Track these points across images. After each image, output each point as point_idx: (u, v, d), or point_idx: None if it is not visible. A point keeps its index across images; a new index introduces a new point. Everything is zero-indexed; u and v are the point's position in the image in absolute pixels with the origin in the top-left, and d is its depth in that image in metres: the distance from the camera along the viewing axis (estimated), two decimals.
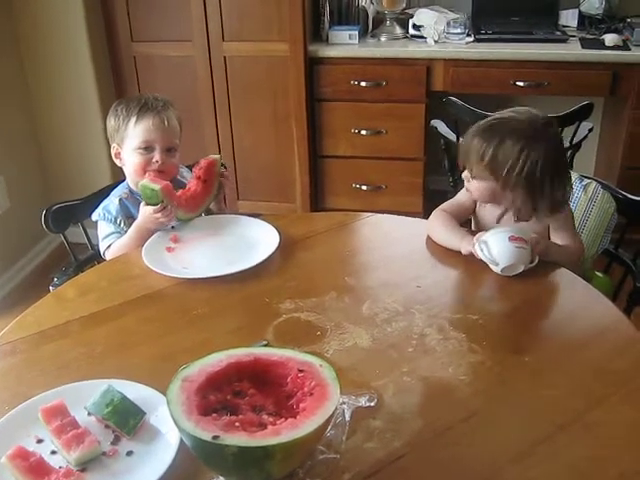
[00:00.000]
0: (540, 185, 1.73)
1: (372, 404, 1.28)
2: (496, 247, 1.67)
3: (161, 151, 2.00)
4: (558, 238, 1.82)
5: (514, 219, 1.83)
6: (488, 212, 1.89)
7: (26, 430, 1.25)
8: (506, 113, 1.79)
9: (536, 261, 1.69)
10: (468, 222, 1.98)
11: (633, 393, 1.32)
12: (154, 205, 1.89)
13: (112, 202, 2.04)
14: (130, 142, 2.01)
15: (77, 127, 3.54)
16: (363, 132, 3.41)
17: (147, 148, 1.99)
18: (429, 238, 1.88)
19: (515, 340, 1.49)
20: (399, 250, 1.88)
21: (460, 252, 1.77)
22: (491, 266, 1.69)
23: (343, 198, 3.58)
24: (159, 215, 1.89)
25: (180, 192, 1.97)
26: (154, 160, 1.99)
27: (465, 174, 1.82)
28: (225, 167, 2.06)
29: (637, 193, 2.09)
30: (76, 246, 2.19)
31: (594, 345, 1.47)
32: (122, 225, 2.00)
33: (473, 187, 1.81)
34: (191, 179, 2.01)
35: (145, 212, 1.91)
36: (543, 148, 1.71)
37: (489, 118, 1.81)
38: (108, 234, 2.01)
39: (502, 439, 1.23)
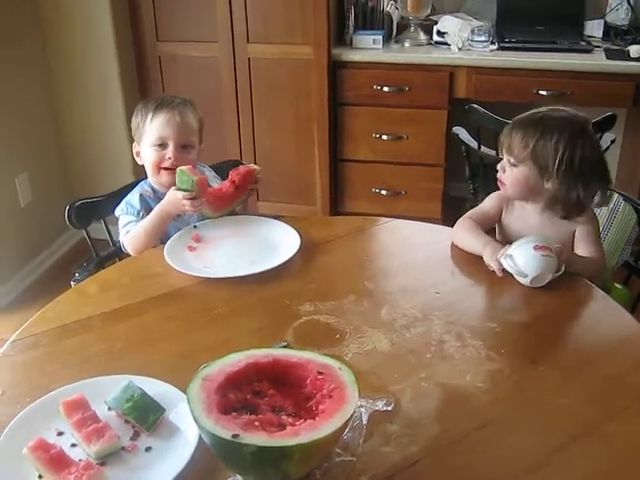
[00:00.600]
0: (579, 179, 1.76)
1: (389, 408, 1.29)
2: (522, 258, 1.67)
3: (175, 148, 2.01)
4: (582, 247, 1.81)
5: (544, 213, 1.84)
6: (514, 220, 1.89)
7: (47, 422, 1.27)
8: (545, 108, 1.84)
9: (562, 270, 1.69)
10: (492, 231, 1.98)
11: None
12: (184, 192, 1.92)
13: (134, 197, 2.06)
14: (146, 139, 2.03)
15: (100, 125, 3.57)
16: (384, 137, 3.42)
17: (162, 145, 2.01)
18: (451, 245, 1.89)
19: (533, 349, 1.49)
20: (418, 256, 1.88)
21: (481, 259, 1.77)
22: (519, 279, 1.68)
23: (363, 202, 3.59)
24: (187, 202, 1.91)
25: (211, 190, 1.99)
26: (167, 157, 2.01)
27: (501, 164, 1.84)
28: (256, 181, 2.07)
29: None
30: (97, 242, 2.21)
31: (612, 357, 1.47)
32: (144, 217, 2.01)
33: (510, 176, 1.82)
34: (225, 181, 2.03)
35: (174, 196, 1.93)
36: (585, 142, 1.76)
37: (530, 111, 1.84)
38: (128, 222, 2.03)
39: (517, 448, 1.23)
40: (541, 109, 1.84)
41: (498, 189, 1.91)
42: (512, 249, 1.70)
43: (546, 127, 1.76)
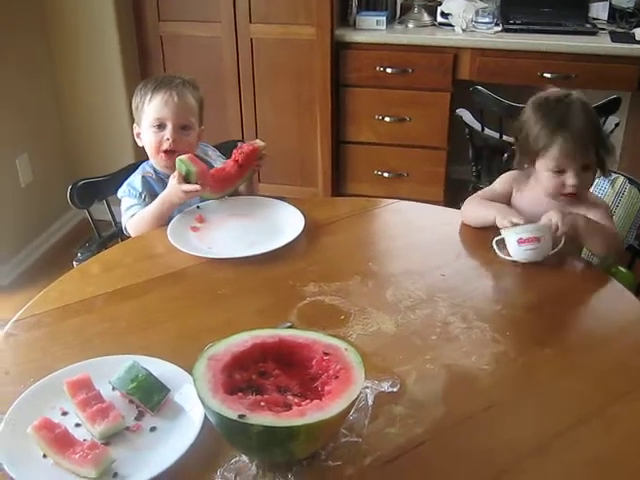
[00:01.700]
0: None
1: (395, 390, 1.29)
2: (509, 246, 1.72)
3: (173, 129, 1.99)
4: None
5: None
6: (525, 203, 1.87)
7: (51, 402, 1.27)
8: (562, 93, 1.81)
9: (561, 244, 1.70)
10: None
11: None
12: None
13: (136, 178, 2.05)
14: (145, 119, 2.01)
15: (102, 105, 3.55)
16: (387, 119, 3.40)
17: (160, 126, 2.00)
18: (458, 227, 1.88)
19: (538, 332, 1.49)
20: (422, 238, 1.88)
21: (487, 242, 1.76)
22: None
23: (365, 184, 3.57)
24: (186, 189, 1.89)
25: (214, 170, 1.98)
26: (165, 138, 1.99)
27: (573, 178, 1.75)
28: (261, 157, 2.04)
29: None
30: (99, 222, 2.20)
31: (617, 340, 1.47)
32: (147, 200, 2.00)
33: (586, 180, 1.78)
34: (229, 160, 2.01)
35: (174, 187, 1.91)
36: None
37: (552, 109, 1.78)
38: (131, 205, 2.02)
39: (522, 430, 1.23)
40: (562, 95, 1.80)
41: (501, 172, 1.91)
42: (505, 232, 1.73)
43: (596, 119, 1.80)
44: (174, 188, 1.91)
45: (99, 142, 3.63)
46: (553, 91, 1.83)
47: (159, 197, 1.95)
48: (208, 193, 1.97)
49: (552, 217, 1.70)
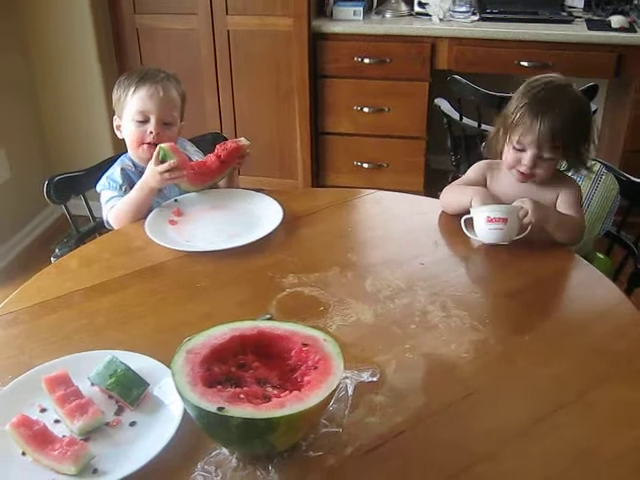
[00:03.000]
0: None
1: (374, 379, 1.29)
2: (477, 226, 1.74)
3: (157, 122, 1.98)
4: (563, 209, 1.81)
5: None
6: (500, 188, 1.87)
7: (30, 399, 1.26)
8: (541, 80, 1.80)
9: (527, 231, 1.71)
10: None
11: (633, 374, 1.33)
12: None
13: (116, 171, 2.03)
14: (127, 111, 2.00)
15: (79, 99, 3.51)
16: (366, 109, 3.40)
17: (143, 119, 1.98)
18: (440, 214, 1.89)
19: (517, 319, 1.50)
20: (401, 227, 1.88)
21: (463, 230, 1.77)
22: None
23: (344, 175, 3.57)
24: (167, 176, 1.88)
25: (194, 163, 1.97)
26: (149, 131, 1.98)
27: (528, 164, 1.75)
28: (244, 156, 2.03)
29: None
30: (77, 218, 2.18)
31: (595, 325, 1.48)
32: (127, 192, 1.98)
33: (547, 168, 1.77)
34: (211, 154, 2.00)
35: (152, 170, 1.90)
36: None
37: (533, 90, 1.77)
38: (112, 197, 2.00)
39: (502, 417, 1.24)
40: (561, 84, 1.80)
41: (479, 160, 1.91)
42: (474, 211, 1.75)
43: (573, 111, 1.75)
44: (151, 171, 1.90)
45: (77, 137, 3.60)
46: (555, 77, 1.82)
47: (137, 184, 1.94)
48: (186, 184, 1.96)
49: (525, 203, 1.71)
